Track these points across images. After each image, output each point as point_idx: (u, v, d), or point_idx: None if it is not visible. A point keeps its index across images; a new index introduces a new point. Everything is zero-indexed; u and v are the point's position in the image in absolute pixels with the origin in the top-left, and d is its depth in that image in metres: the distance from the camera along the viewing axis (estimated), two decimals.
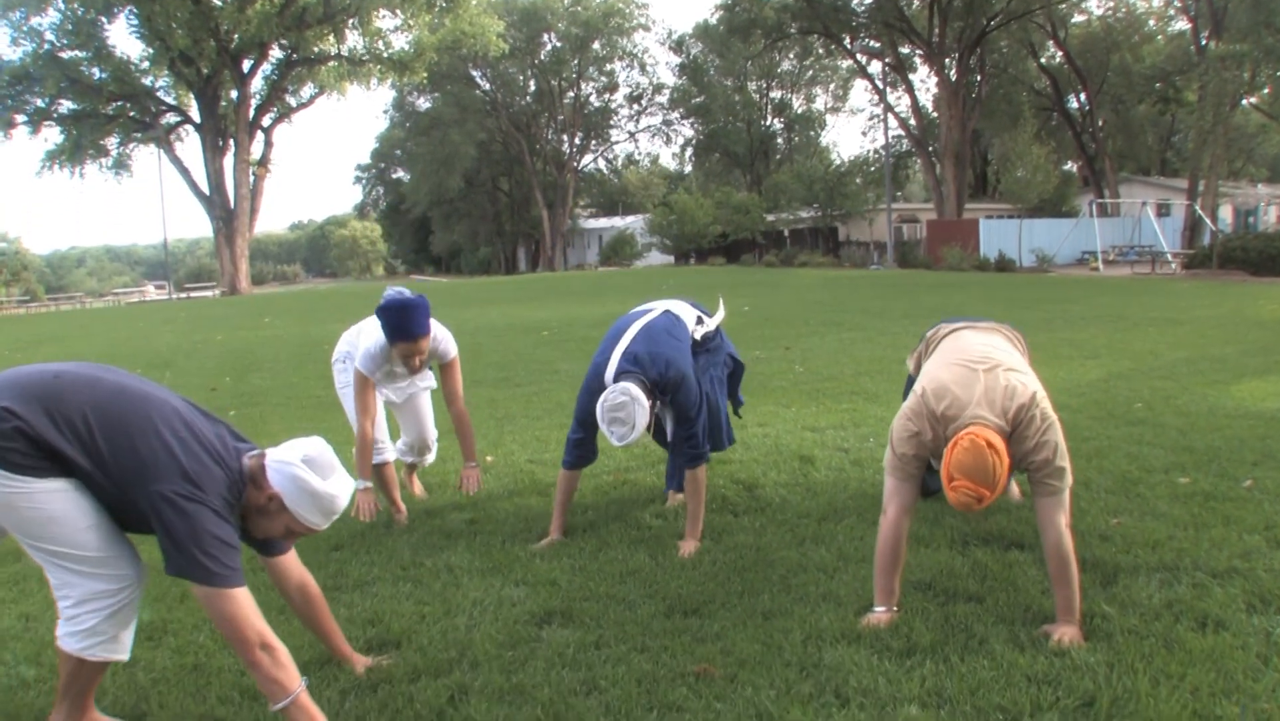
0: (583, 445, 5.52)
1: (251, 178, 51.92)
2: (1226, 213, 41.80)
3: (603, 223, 72.17)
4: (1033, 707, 3.31)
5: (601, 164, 79.52)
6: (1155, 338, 13.02)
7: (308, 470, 3.25)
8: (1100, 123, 49.88)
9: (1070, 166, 55.11)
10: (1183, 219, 39.73)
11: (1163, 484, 5.84)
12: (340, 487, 3.33)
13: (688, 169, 77.79)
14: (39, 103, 50.00)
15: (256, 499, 3.29)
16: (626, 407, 4.96)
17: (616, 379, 5.17)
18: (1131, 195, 43.79)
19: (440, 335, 5.67)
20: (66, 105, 51.02)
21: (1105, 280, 27.52)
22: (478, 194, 73.79)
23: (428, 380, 6.19)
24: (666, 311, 5.65)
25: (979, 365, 4.15)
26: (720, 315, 6.02)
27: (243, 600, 3.06)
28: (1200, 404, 8.13)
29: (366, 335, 5.71)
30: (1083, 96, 50.01)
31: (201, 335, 21.34)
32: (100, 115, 51.20)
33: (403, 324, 5.29)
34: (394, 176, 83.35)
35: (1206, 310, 16.61)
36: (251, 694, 3.68)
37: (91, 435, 3.08)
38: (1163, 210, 40.57)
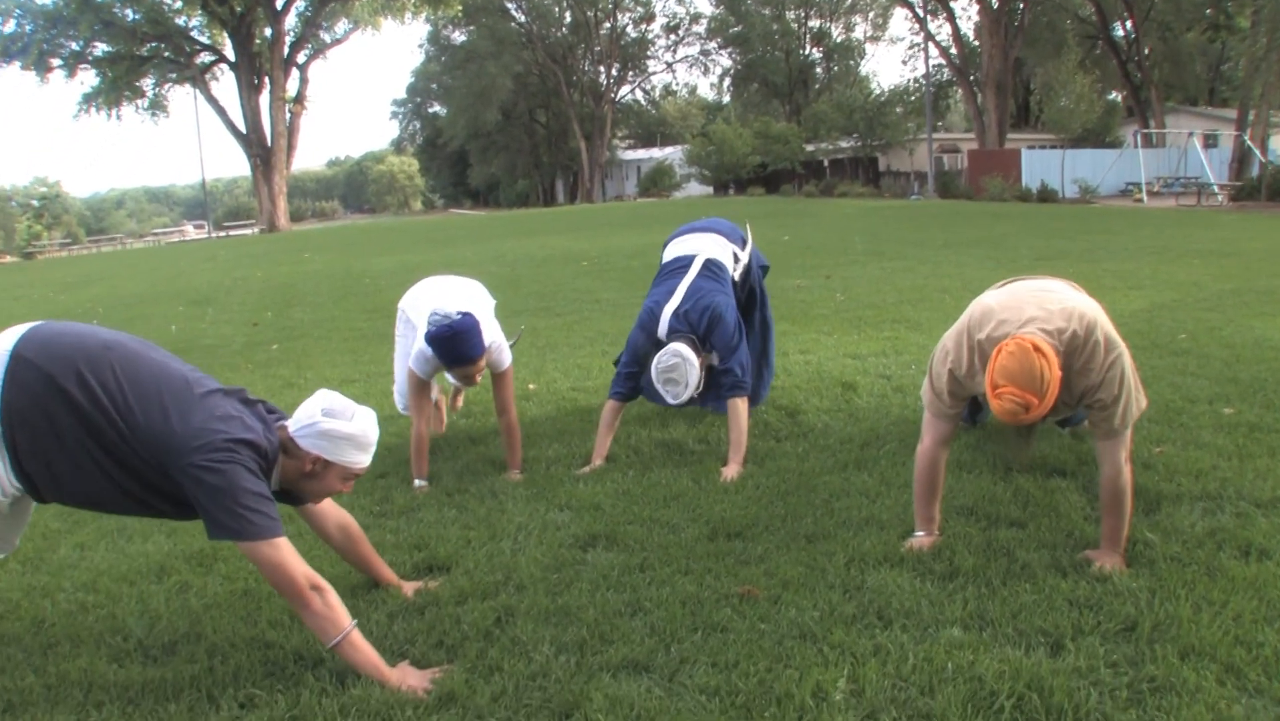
0: (633, 379, 5.61)
1: (288, 115, 51.84)
2: (1277, 144, 40.81)
3: (641, 154, 71.72)
4: (1074, 631, 3.30)
5: (639, 95, 78.86)
6: (1200, 269, 12.79)
7: (332, 420, 3.30)
8: (1146, 51, 48.52)
9: (1114, 96, 53.94)
10: (1231, 150, 38.50)
11: (1207, 414, 5.78)
12: (367, 421, 3.39)
13: (726, 99, 77.00)
14: (74, 46, 49.95)
15: (298, 469, 3.34)
16: (679, 369, 5.18)
17: (668, 338, 5.38)
18: (1178, 125, 42.65)
19: (494, 344, 5.42)
20: (101, 48, 50.94)
21: (1149, 212, 27.08)
22: (515, 127, 73.45)
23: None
24: (707, 263, 5.75)
25: (1032, 292, 4.05)
26: (749, 239, 6.17)
27: (285, 547, 3.12)
28: (1246, 335, 8.00)
29: (420, 312, 5.58)
30: (1128, 24, 48.71)
31: (242, 272, 21.45)
32: (135, 57, 51.13)
33: (456, 351, 5.07)
34: (430, 111, 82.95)
35: (1254, 242, 16.29)
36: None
37: (129, 407, 3.12)
38: (1210, 141, 39.46)
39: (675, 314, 5.48)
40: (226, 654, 3.48)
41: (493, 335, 5.40)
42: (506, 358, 5.51)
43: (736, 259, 5.93)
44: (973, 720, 2.82)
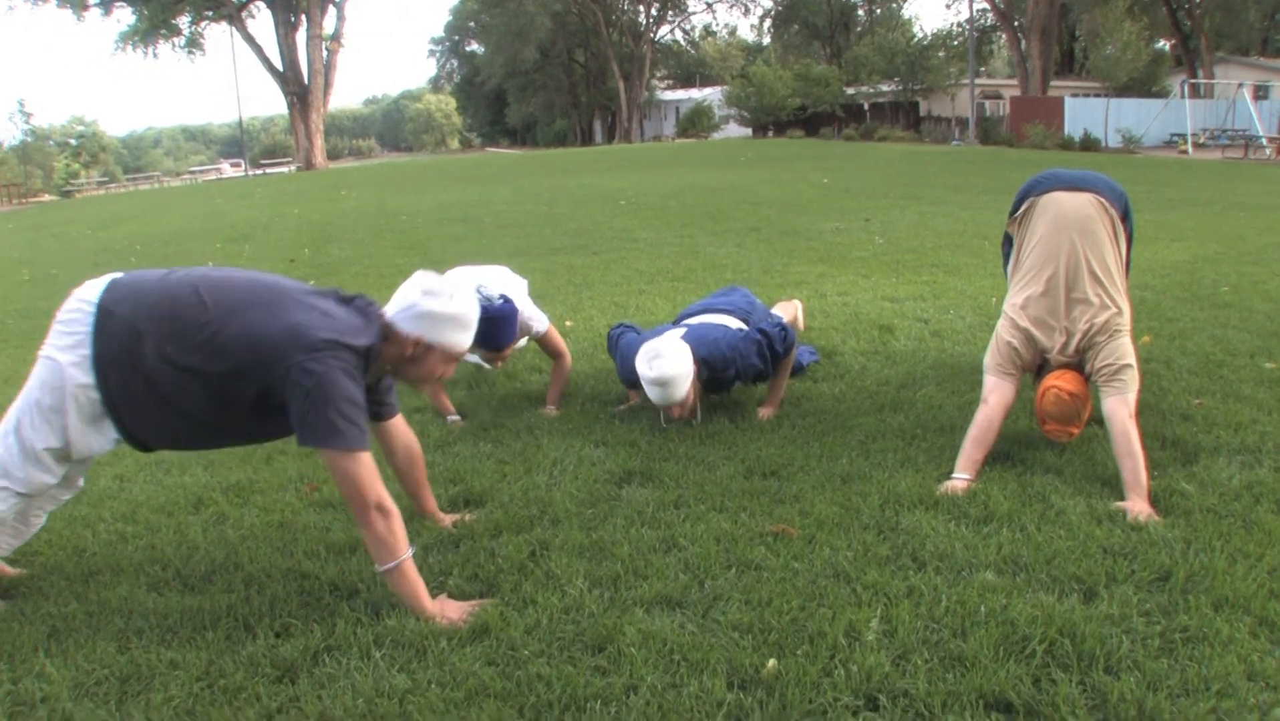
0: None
1: (324, 53, 51.71)
2: None
3: (680, 95, 71.19)
4: (1108, 579, 3.29)
5: (678, 35, 78.28)
6: (1245, 222, 12.59)
7: (432, 300, 3.26)
8: None
9: (1162, 45, 52.84)
10: None
11: (1247, 368, 5.71)
12: (467, 300, 3.35)
13: (766, 41, 76.24)
14: None
15: (399, 353, 3.31)
16: (668, 371, 4.75)
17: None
18: (1227, 76, 41.68)
19: (527, 315, 5.40)
20: None
21: (1194, 163, 26.65)
22: (553, 66, 73.06)
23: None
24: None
25: (1065, 290, 4.33)
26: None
27: (366, 462, 3.09)
28: None
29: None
30: None
31: (279, 209, 21.50)
32: None
33: (489, 334, 4.98)
34: (468, 49, 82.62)
35: None
36: (337, 549, 3.78)
37: (221, 330, 3.11)
38: (1260, 93, 38.45)
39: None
40: (263, 584, 3.52)
41: (526, 309, 5.43)
42: (542, 321, 5.51)
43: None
44: (1004, 663, 2.81)
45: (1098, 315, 4.23)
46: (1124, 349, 4.21)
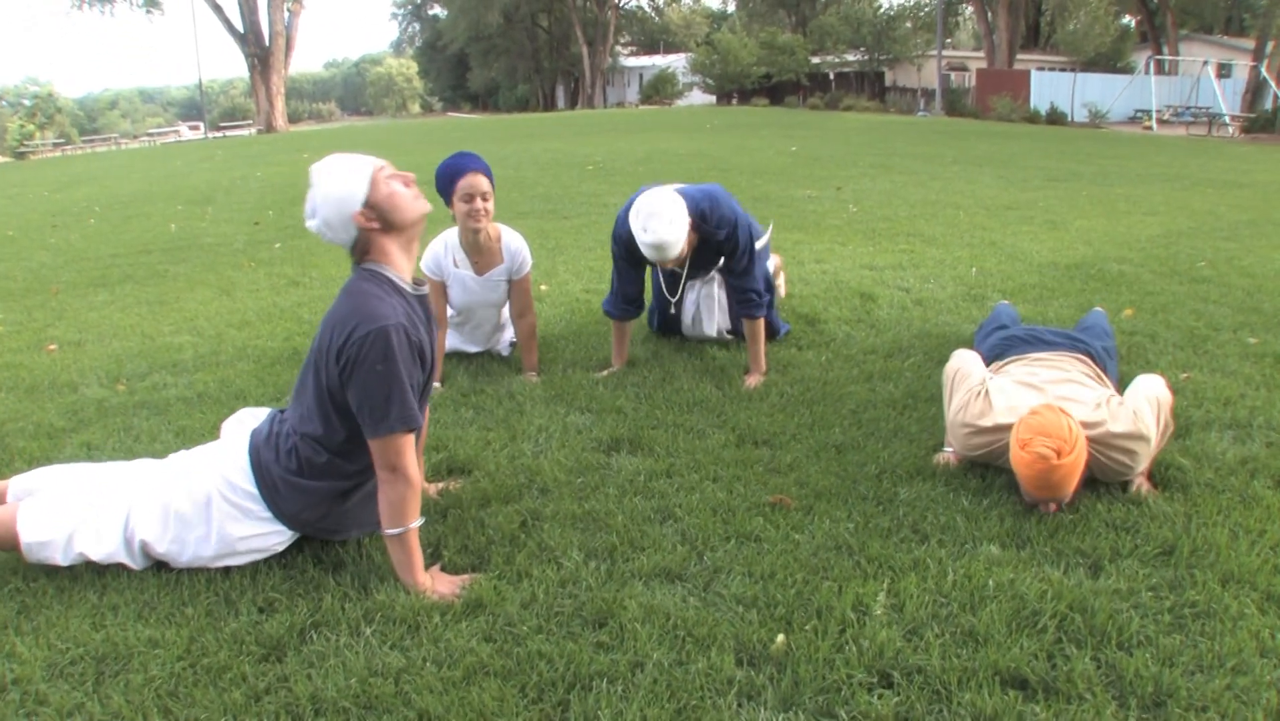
0: (628, 299, 5.31)
1: (286, 14, 50.97)
2: None
3: (644, 61, 70.82)
4: (1112, 553, 3.25)
5: (643, 1, 77.76)
6: (1215, 199, 12.62)
7: (315, 190, 3.07)
8: None
9: (1128, 21, 52.96)
10: (1245, 81, 37.96)
11: (1231, 342, 5.69)
12: (327, 162, 3.12)
13: (731, 8, 75.76)
14: None
15: (373, 233, 3.11)
16: (664, 236, 4.70)
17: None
18: (1191, 54, 41.85)
19: (516, 245, 5.28)
20: None
21: (1160, 139, 26.77)
22: (516, 30, 72.43)
23: (505, 339, 5.80)
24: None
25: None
26: (767, 234, 5.75)
27: (406, 441, 3.05)
28: (1266, 266, 7.87)
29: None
30: None
31: (240, 171, 21.16)
32: None
33: (457, 161, 4.83)
34: (431, 12, 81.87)
35: (1268, 174, 16.05)
36: None
37: None
38: (1224, 71, 38.80)
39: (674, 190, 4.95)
40: None
41: (511, 237, 5.29)
42: (529, 261, 5.35)
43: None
44: (1017, 639, 2.76)
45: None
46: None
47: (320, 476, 3.18)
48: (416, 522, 3.10)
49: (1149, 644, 2.75)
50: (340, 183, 3.04)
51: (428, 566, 3.19)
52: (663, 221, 4.67)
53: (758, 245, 5.29)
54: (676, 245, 4.73)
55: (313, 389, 3.13)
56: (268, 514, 3.21)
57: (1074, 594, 2.96)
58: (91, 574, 3.29)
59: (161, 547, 3.20)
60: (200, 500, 3.21)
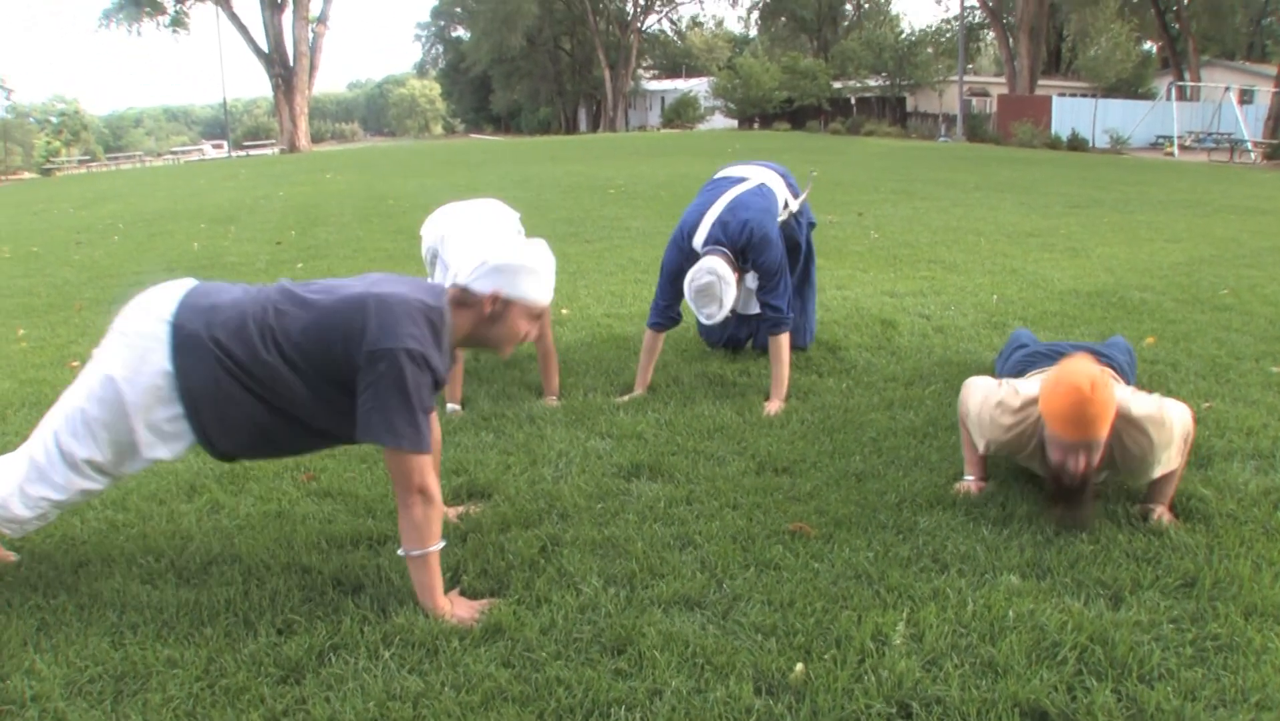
0: (670, 308, 5.44)
1: (310, 35, 51.33)
2: None
3: (665, 85, 71.02)
4: (1133, 584, 3.22)
5: (665, 25, 78.12)
6: (1237, 225, 12.55)
7: (503, 253, 3.16)
8: (1186, 1, 47.52)
9: (1149, 47, 52.88)
10: (1268, 107, 37.67)
11: (1254, 371, 5.65)
12: (537, 248, 3.24)
13: (753, 33, 76.10)
14: None
15: (477, 315, 3.18)
16: (713, 287, 4.96)
17: (705, 246, 5.15)
18: (1213, 79, 41.79)
19: None
20: None
21: (1181, 165, 26.67)
22: (539, 53, 72.84)
23: None
24: (761, 185, 5.49)
25: None
26: (806, 193, 5.87)
27: (423, 459, 3.03)
28: None
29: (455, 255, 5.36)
30: None
31: (263, 191, 21.28)
32: None
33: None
34: (454, 35, 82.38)
35: None
36: (338, 542, 3.66)
37: (302, 331, 3.06)
38: (1245, 97, 38.65)
39: (715, 222, 5.21)
40: (262, 577, 3.40)
41: None
42: None
43: (787, 205, 5.64)
44: (1037, 670, 2.74)
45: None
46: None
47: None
48: (439, 545, 3.10)
49: (1171, 677, 2.72)
50: (530, 273, 3.18)
51: (447, 590, 3.18)
52: (713, 301, 5.00)
53: (795, 206, 5.63)
54: (726, 310, 5.03)
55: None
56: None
57: (1094, 625, 2.93)
58: (111, 592, 3.30)
59: (100, 456, 3.14)
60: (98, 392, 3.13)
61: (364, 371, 2.97)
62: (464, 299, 3.17)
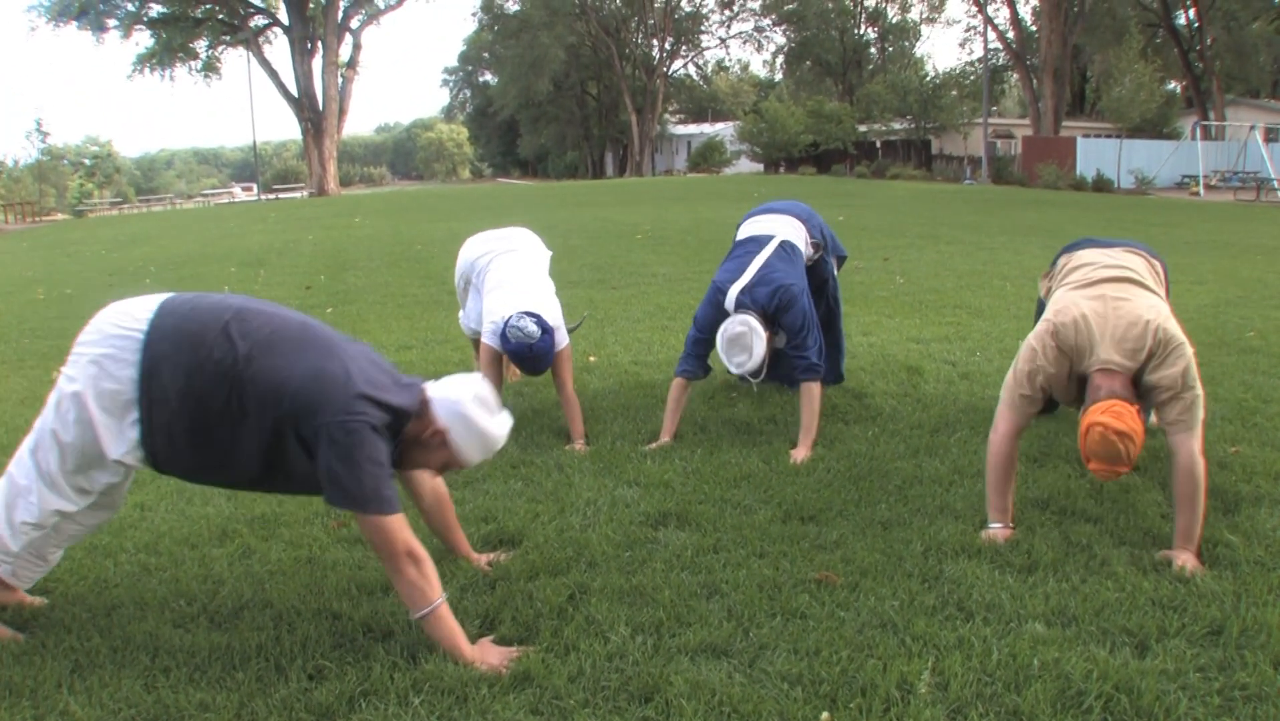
0: (700, 358, 5.59)
1: (340, 80, 51.96)
2: None
3: (692, 129, 71.31)
4: (1159, 632, 3.22)
5: (691, 70, 78.50)
6: (1264, 266, 12.53)
7: (480, 410, 3.21)
8: (1209, 40, 47.55)
9: (1174, 86, 52.84)
10: None
11: None
12: (503, 427, 3.30)
13: (779, 77, 76.52)
14: (130, 6, 50.61)
15: (418, 431, 3.24)
16: (745, 337, 5.18)
17: (735, 309, 5.36)
18: (1238, 119, 41.74)
19: (557, 322, 5.62)
20: (156, 9, 51.52)
21: (1207, 205, 26.63)
22: (566, 98, 73.28)
23: None
24: (782, 245, 5.68)
25: (1109, 293, 4.08)
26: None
27: (399, 520, 3.07)
28: None
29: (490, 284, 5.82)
30: (1191, 12, 47.85)
31: (293, 235, 21.46)
32: (189, 18, 51.62)
33: (533, 366, 5.45)
34: (481, 80, 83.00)
35: None
36: (368, 588, 3.70)
37: (262, 368, 3.10)
38: (1271, 135, 38.45)
39: (744, 289, 5.41)
40: (293, 622, 3.44)
41: (554, 319, 5.54)
42: (564, 338, 5.61)
43: (815, 246, 5.92)
44: (1063, 719, 2.74)
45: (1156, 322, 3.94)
46: (1189, 374, 3.87)
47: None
48: (442, 598, 3.13)
49: None
50: (481, 442, 3.26)
51: (480, 637, 3.22)
52: (744, 350, 5.24)
53: (811, 243, 5.94)
54: (755, 362, 5.25)
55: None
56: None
57: (1120, 674, 2.93)
58: (144, 635, 3.35)
59: (70, 465, 3.21)
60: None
61: (329, 431, 3.01)
62: (421, 411, 3.23)
